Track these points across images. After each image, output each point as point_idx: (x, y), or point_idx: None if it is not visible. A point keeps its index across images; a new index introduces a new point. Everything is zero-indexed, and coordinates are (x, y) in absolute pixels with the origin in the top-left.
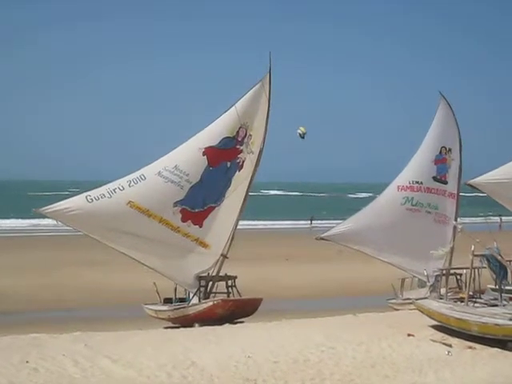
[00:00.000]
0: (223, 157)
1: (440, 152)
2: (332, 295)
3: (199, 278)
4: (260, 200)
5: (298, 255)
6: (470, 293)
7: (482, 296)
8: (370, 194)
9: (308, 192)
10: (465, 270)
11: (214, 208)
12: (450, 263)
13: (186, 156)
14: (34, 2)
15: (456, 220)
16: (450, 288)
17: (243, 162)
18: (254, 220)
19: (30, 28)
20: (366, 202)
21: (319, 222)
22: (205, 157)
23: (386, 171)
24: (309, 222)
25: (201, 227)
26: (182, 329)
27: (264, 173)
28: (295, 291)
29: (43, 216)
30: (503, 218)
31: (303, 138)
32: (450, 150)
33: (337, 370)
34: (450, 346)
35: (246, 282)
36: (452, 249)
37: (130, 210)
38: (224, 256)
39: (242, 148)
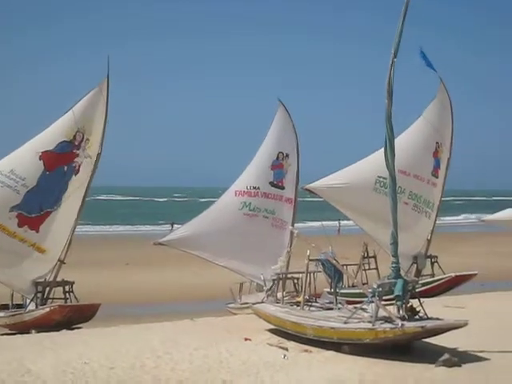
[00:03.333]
0: (60, 161)
1: (277, 157)
2: (171, 300)
3: (36, 283)
4: (100, 204)
5: (138, 260)
6: (306, 297)
7: (318, 300)
8: (215, 199)
9: (148, 197)
10: (301, 274)
11: (50, 213)
12: (287, 267)
13: (23, 160)
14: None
15: (293, 225)
16: (287, 292)
17: (79, 166)
18: (93, 225)
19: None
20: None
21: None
22: (41, 161)
23: (228, 175)
24: (169, 226)
25: (38, 232)
26: (18, 335)
27: (106, 177)
28: (134, 296)
29: None
30: (342, 222)
31: None
32: (287, 155)
33: (173, 375)
34: (287, 349)
35: (84, 288)
36: (289, 253)
37: None
38: (61, 261)
39: (78, 152)
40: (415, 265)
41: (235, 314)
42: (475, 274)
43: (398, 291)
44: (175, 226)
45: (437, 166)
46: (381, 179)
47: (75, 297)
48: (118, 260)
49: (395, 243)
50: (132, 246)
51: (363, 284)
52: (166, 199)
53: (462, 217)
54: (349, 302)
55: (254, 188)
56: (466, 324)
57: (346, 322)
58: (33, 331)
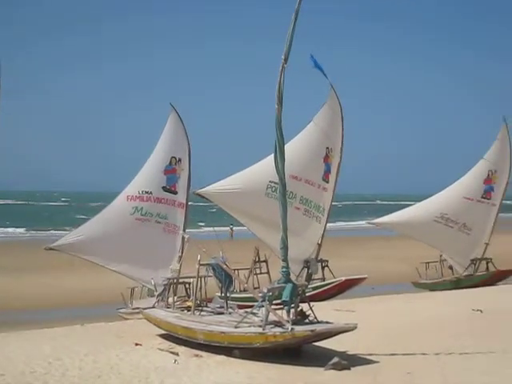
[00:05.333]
0: None
1: (170, 162)
2: (62, 305)
3: None
4: None
5: (30, 265)
6: (197, 301)
7: (209, 304)
8: (107, 204)
9: (35, 201)
10: (192, 279)
11: None
12: (179, 272)
13: None
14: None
15: (184, 230)
16: (178, 297)
17: None
18: None
19: None
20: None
21: None
22: None
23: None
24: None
25: None
26: None
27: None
28: (25, 302)
29: None
30: (235, 227)
31: None
32: (179, 160)
33: (63, 381)
34: (177, 354)
35: None
36: (180, 258)
37: None
38: None
39: None
40: (306, 269)
41: (126, 318)
42: (365, 278)
43: (286, 296)
44: None
45: (327, 171)
46: (272, 184)
47: None
48: (8, 265)
49: (285, 248)
50: (24, 251)
51: (254, 288)
52: (58, 203)
53: (352, 221)
54: (240, 307)
55: (147, 193)
56: (355, 327)
57: (236, 327)
58: None
